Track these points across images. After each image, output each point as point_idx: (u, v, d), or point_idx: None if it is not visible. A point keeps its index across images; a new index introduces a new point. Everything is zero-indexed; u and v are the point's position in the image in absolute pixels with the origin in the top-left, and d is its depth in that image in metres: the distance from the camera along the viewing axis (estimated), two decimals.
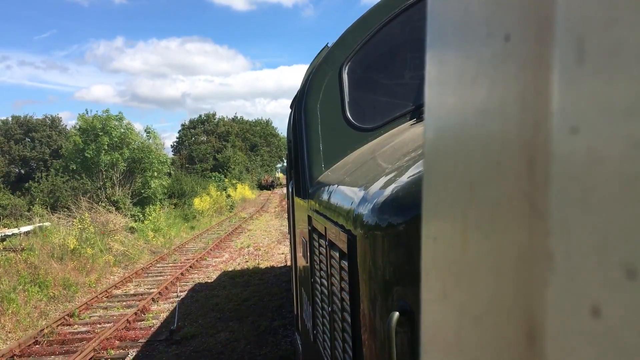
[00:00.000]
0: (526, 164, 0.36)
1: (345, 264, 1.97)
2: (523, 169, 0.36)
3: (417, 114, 3.31)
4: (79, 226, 17.83)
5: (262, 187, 69.12)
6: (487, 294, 0.41)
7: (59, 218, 20.30)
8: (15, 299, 10.85)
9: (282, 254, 17.32)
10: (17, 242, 15.87)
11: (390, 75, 3.57)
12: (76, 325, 10.29)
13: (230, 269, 15.38)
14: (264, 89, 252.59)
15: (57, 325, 9.98)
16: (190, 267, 15.64)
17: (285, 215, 24.03)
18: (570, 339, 0.32)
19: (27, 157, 54.68)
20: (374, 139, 3.36)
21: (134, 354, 8.56)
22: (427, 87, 0.57)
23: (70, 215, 20.48)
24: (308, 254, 3.41)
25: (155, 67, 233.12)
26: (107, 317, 10.80)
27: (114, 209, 22.89)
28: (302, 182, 3.59)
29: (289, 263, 12.74)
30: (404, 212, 1.44)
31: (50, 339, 9.34)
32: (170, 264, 16.71)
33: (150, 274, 15.16)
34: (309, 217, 3.28)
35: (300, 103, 3.58)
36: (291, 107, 5.62)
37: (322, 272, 2.72)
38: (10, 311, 10.46)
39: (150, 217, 22.97)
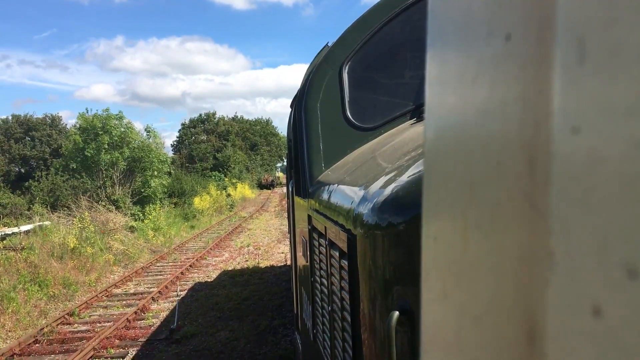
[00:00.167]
0: (527, 164, 0.36)
1: (345, 263, 1.97)
2: (524, 168, 0.36)
3: (417, 113, 3.31)
4: (79, 225, 17.83)
5: (262, 186, 69.11)
6: (488, 294, 0.41)
7: (59, 217, 20.30)
8: (15, 298, 10.86)
9: (282, 253, 17.32)
10: (17, 241, 15.86)
11: (390, 74, 3.57)
12: (76, 324, 10.30)
13: (230, 268, 15.38)
14: (264, 88, 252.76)
15: (57, 324, 9.98)
16: (190, 266, 15.65)
17: (285, 214, 24.03)
18: (571, 338, 0.32)
19: (27, 156, 54.67)
20: (374, 138, 3.36)
21: (134, 353, 8.57)
22: (427, 86, 0.57)
23: (70, 214, 20.48)
24: (308, 253, 3.41)
25: (156, 66, 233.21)
26: (107, 316, 10.81)
27: (114, 208, 22.88)
28: (302, 181, 3.59)
29: (288, 262, 12.74)
30: (404, 211, 1.44)
31: (50, 338, 9.34)
32: (170, 263, 16.71)
33: (150, 273, 15.17)
34: (309, 217, 3.28)
35: (301, 102, 3.57)
36: (291, 106, 5.61)
37: (322, 271, 2.72)
38: (10, 310, 10.46)
39: (150, 216, 22.97)
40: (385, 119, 3.42)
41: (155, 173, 26.78)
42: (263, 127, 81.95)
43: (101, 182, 25.67)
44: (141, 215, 23.61)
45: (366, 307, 1.66)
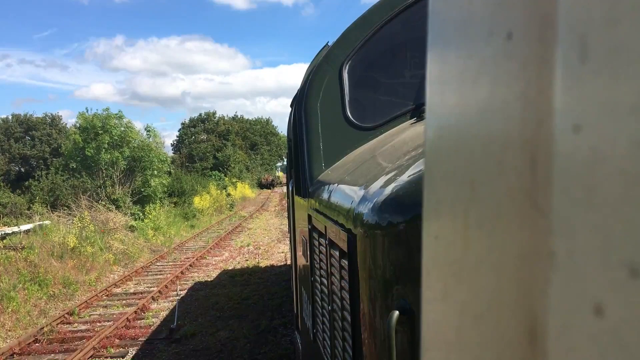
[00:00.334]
0: (528, 163, 0.36)
1: (345, 262, 1.97)
2: (525, 167, 0.36)
3: (417, 113, 3.31)
4: (79, 224, 17.83)
5: (262, 186, 69.10)
6: (489, 293, 0.41)
7: (59, 216, 20.30)
8: (15, 297, 10.86)
9: (282, 252, 17.32)
10: (17, 240, 15.86)
11: (390, 74, 3.57)
12: (76, 324, 10.30)
13: (230, 268, 15.39)
14: (264, 88, 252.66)
15: (57, 324, 9.98)
16: (190, 265, 15.65)
17: (285, 214, 24.03)
18: (573, 338, 0.32)
19: (27, 156, 54.67)
20: (374, 138, 3.36)
21: (134, 352, 8.57)
22: (428, 85, 0.57)
23: (70, 214, 20.48)
24: (308, 252, 3.40)
25: (155, 66, 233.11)
26: (107, 315, 10.81)
27: (113, 207, 22.87)
28: (302, 181, 3.59)
29: (288, 262, 12.74)
30: (404, 211, 1.44)
31: (50, 337, 9.34)
32: (170, 263, 16.71)
33: (150, 273, 15.17)
34: (309, 216, 3.28)
35: (301, 102, 3.57)
36: (291, 106, 5.61)
37: (322, 271, 2.72)
38: (10, 309, 10.46)
39: (150, 216, 22.97)
40: (385, 118, 3.42)
41: (155, 172, 26.78)
42: (263, 127, 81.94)
43: (101, 181, 25.65)
44: (141, 214, 23.61)
45: (366, 306, 1.66)
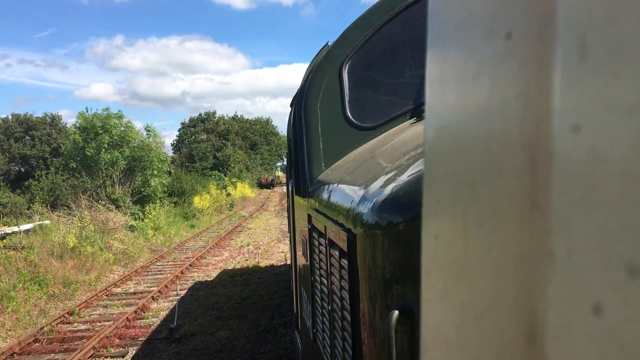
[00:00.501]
0: (528, 162, 0.36)
1: (345, 262, 1.97)
2: (525, 167, 0.36)
3: (417, 112, 3.31)
4: (79, 224, 17.83)
5: (262, 185, 69.10)
6: (488, 293, 0.41)
7: (59, 216, 20.30)
8: (15, 297, 10.86)
9: (282, 252, 17.32)
10: (17, 240, 15.86)
11: (390, 74, 3.57)
12: (76, 324, 10.30)
13: (230, 268, 15.39)
14: (264, 88, 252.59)
15: (57, 324, 9.98)
16: (190, 265, 15.65)
17: (285, 213, 24.03)
18: (572, 337, 0.32)
19: (27, 155, 54.67)
20: (373, 137, 3.36)
21: (134, 352, 8.57)
22: (428, 85, 0.57)
23: (70, 214, 20.48)
24: (308, 252, 3.40)
25: (155, 66, 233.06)
26: (107, 315, 10.81)
27: (113, 207, 22.87)
28: (302, 180, 3.58)
29: (288, 262, 12.74)
30: (404, 210, 1.44)
31: (50, 337, 9.34)
32: (170, 263, 16.71)
33: (150, 273, 15.17)
34: (309, 216, 3.28)
35: (301, 102, 3.57)
36: (291, 105, 5.61)
37: (321, 270, 2.72)
38: (10, 309, 10.46)
39: (150, 216, 22.97)
40: (385, 118, 3.42)
41: (155, 172, 26.78)
42: (263, 127, 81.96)
43: (101, 181, 25.65)
44: (141, 214, 23.61)
45: (366, 306, 1.66)
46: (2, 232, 17.46)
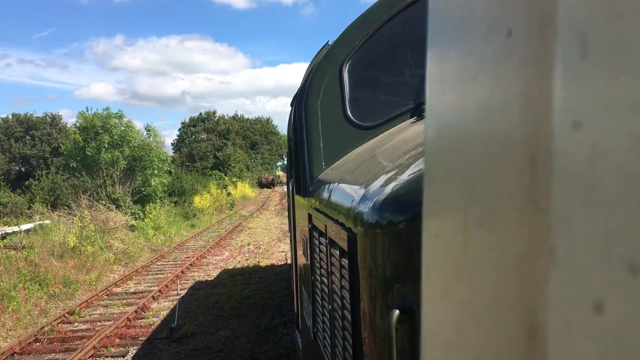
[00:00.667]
0: (528, 161, 0.36)
1: (345, 261, 1.97)
2: (525, 165, 0.36)
3: (417, 112, 3.31)
4: (79, 224, 17.84)
5: (262, 185, 69.09)
6: (489, 292, 0.41)
7: (59, 216, 20.31)
8: (16, 296, 10.86)
9: (283, 252, 17.32)
10: (18, 240, 15.88)
11: (390, 73, 3.57)
12: (76, 323, 10.30)
13: (230, 267, 15.39)
14: (264, 87, 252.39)
15: (58, 323, 9.99)
16: (191, 265, 15.65)
17: (286, 213, 24.03)
18: (573, 335, 0.32)
19: (27, 155, 54.71)
20: (374, 137, 3.36)
21: (134, 351, 8.57)
22: (428, 84, 0.57)
23: (70, 213, 20.49)
24: (308, 252, 3.41)
25: (155, 65, 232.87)
26: (108, 315, 10.82)
27: (114, 207, 22.88)
28: (303, 180, 3.59)
29: (289, 261, 12.75)
30: (404, 210, 1.44)
31: (51, 336, 9.35)
32: (171, 262, 16.72)
33: (150, 272, 15.18)
34: (310, 215, 3.28)
35: (301, 101, 3.57)
36: (291, 105, 5.61)
37: (322, 270, 2.72)
38: (10, 309, 10.47)
39: (150, 215, 22.98)
40: (386, 117, 3.42)
41: (156, 172, 26.79)
42: (263, 126, 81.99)
43: (101, 181, 25.67)
44: (141, 214, 23.62)
45: (366, 305, 1.66)
46: (3, 232, 17.47)
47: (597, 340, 0.31)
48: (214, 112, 76.07)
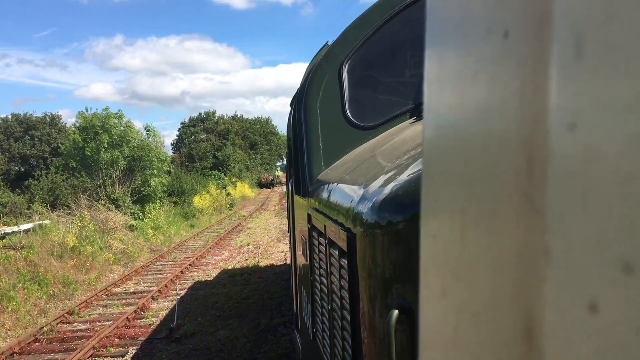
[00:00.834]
0: (525, 161, 0.36)
1: (344, 262, 1.97)
2: (521, 165, 0.36)
3: (416, 112, 3.31)
4: (79, 224, 17.83)
5: (261, 185, 69.07)
6: (486, 291, 0.41)
7: (59, 216, 20.30)
8: (15, 296, 10.86)
9: (282, 252, 17.32)
10: (17, 239, 15.87)
11: (390, 73, 3.57)
12: (76, 323, 10.30)
13: (229, 267, 15.39)
14: (263, 87, 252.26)
15: (57, 323, 9.98)
16: (190, 265, 15.65)
17: (285, 213, 24.03)
18: (568, 334, 0.32)
19: (26, 155, 54.69)
20: (373, 137, 3.36)
21: (134, 351, 8.57)
22: (426, 85, 0.57)
23: (69, 213, 20.47)
24: (308, 252, 3.41)
25: (155, 65, 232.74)
26: (107, 315, 10.81)
27: (113, 207, 22.87)
28: (302, 180, 3.59)
29: (288, 261, 12.74)
30: (403, 210, 1.44)
31: (50, 336, 9.34)
32: (170, 262, 16.71)
33: (149, 272, 15.17)
34: (309, 216, 3.28)
35: (300, 101, 3.57)
36: (291, 105, 5.61)
37: (321, 270, 2.72)
38: (9, 309, 10.46)
39: (150, 215, 22.97)
40: (385, 117, 3.42)
41: (155, 172, 26.79)
42: (263, 126, 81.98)
43: (101, 181, 25.66)
44: (141, 214, 23.62)
45: (366, 305, 1.66)
46: (2, 232, 17.46)
47: (593, 339, 0.31)
48: (214, 112, 76.12)
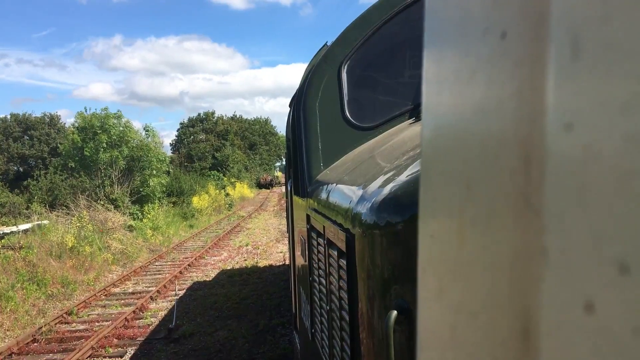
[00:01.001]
0: (522, 161, 0.36)
1: (343, 262, 1.97)
2: (519, 165, 0.37)
3: (415, 112, 3.31)
4: (78, 224, 17.81)
5: (260, 185, 69.05)
6: (483, 291, 0.41)
7: (58, 216, 20.28)
8: (14, 297, 10.84)
9: (281, 252, 17.32)
10: (16, 240, 15.84)
11: (389, 74, 3.57)
12: (74, 324, 10.29)
13: (228, 268, 15.38)
14: (262, 88, 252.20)
15: (56, 324, 9.97)
16: (189, 265, 15.64)
17: (284, 214, 24.02)
18: (565, 334, 0.32)
19: (25, 155, 54.65)
20: (372, 138, 3.36)
21: (132, 352, 8.56)
22: (424, 85, 0.57)
23: (68, 214, 20.45)
24: (306, 252, 3.41)
25: (154, 65, 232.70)
26: (106, 315, 10.80)
27: (112, 207, 22.84)
28: (301, 180, 3.59)
29: (287, 262, 12.74)
30: (402, 210, 1.45)
31: (49, 337, 9.33)
32: (169, 263, 16.70)
33: (148, 272, 15.16)
34: (308, 216, 3.28)
35: (300, 102, 3.57)
36: (290, 105, 5.61)
37: (320, 270, 2.72)
38: (8, 309, 10.45)
39: (148, 216, 22.96)
40: (384, 118, 3.42)
41: (154, 172, 26.78)
42: (262, 127, 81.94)
43: (100, 181, 25.65)
44: (140, 214, 23.60)
45: (364, 306, 1.66)
46: (1, 232, 17.44)
47: (589, 338, 0.31)
48: (213, 113, 76.13)
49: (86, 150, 25.07)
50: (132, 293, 12.64)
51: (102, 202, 22.38)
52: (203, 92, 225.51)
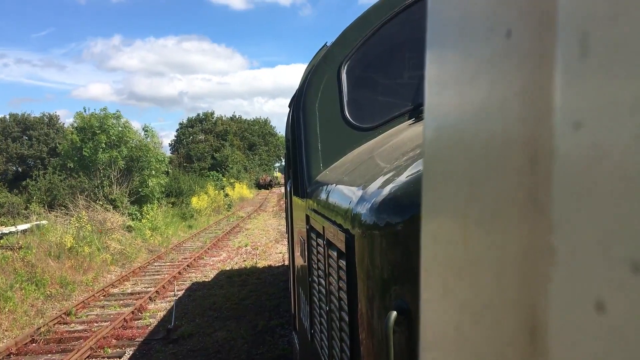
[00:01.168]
0: (528, 161, 0.36)
1: (343, 263, 1.96)
2: (525, 165, 0.36)
3: (415, 113, 3.31)
4: (76, 224, 17.79)
5: (260, 186, 69.00)
6: (489, 291, 0.41)
7: (56, 216, 20.25)
8: (12, 297, 10.83)
9: (280, 253, 17.31)
10: (14, 240, 15.82)
11: (389, 74, 3.57)
12: (73, 324, 10.27)
13: (227, 268, 15.37)
14: (262, 88, 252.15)
15: (54, 324, 9.95)
16: (188, 266, 15.63)
17: (283, 214, 24.01)
18: (574, 334, 0.32)
19: (24, 155, 54.57)
20: (372, 138, 3.36)
21: (131, 352, 8.55)
22: (426, 85, 0.57)
23: (67, 214, 20.43)
24: (306, 253, 3.40)
25: (153, 66, 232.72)
26: (104, 315, 10.79)
27: (111, 207, 22.82)
28: (301, 181, 3.58)
29: (286, 262, 12.73)
30: (402, 211, 1.44)
31: (47, 337, 9.31)
32: (168, 263, 16.69)
33: (147, 273, 15.14)
34: (307, 217, 3.28)
35: (299, 102, 3.57)
36: (290, 106, 5.61)
37: (320, 271, 2.72)
38: (7, 309, 10.43)
39: (147, 216, 22.94)
40: (384, 119, 3.42)
41: (153, 172, 26.76)
42: (261, 127, 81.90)
43: (99, 181, 25.62)
44: (139, 214, 23.58)
45: (364, 307, 1.66)
46: (0, 232, 17.42)
47: (599, 339, 0.31)
48: (212, 113, 76.08)
49: (85, 151, 25.04)
50: (131, 293, 12.62)
51: (101, 203, 22.35)
52: (202, 93, 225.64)
